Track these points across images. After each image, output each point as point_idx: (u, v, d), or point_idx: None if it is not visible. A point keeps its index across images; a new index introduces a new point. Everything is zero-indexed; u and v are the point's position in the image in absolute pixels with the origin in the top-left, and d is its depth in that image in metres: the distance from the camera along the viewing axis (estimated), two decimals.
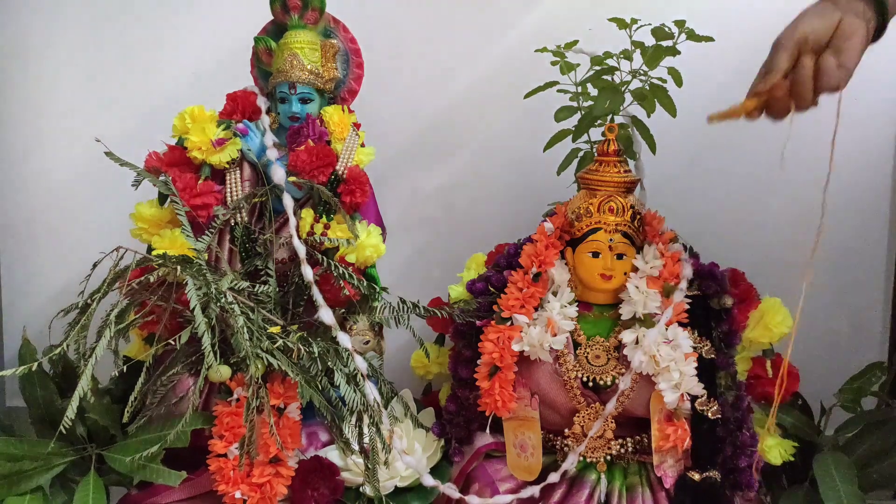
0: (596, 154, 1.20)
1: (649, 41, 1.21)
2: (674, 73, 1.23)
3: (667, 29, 1.19)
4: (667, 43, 1.19)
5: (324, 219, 1.21)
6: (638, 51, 1.21)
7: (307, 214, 1.21)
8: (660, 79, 1.24)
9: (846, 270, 1.50)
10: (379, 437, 1.12)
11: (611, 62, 1.23)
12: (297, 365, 1.09)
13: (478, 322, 1.19)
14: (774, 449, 1.20)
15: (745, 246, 1.42)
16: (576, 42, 1.26)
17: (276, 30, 1.25)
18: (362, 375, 1.13)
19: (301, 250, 1.16)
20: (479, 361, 1.17)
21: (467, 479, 1.20)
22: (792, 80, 0.93)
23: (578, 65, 1.25)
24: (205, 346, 1.01)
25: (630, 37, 1.22)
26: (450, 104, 1.48)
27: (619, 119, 1.25)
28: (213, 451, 1.11)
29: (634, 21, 1.22)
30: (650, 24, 1.20)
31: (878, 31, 0.96)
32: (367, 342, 1.22)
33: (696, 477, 1.12)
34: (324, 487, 1.13)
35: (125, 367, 1.12)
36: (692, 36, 1.20)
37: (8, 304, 1.54)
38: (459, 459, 1.21)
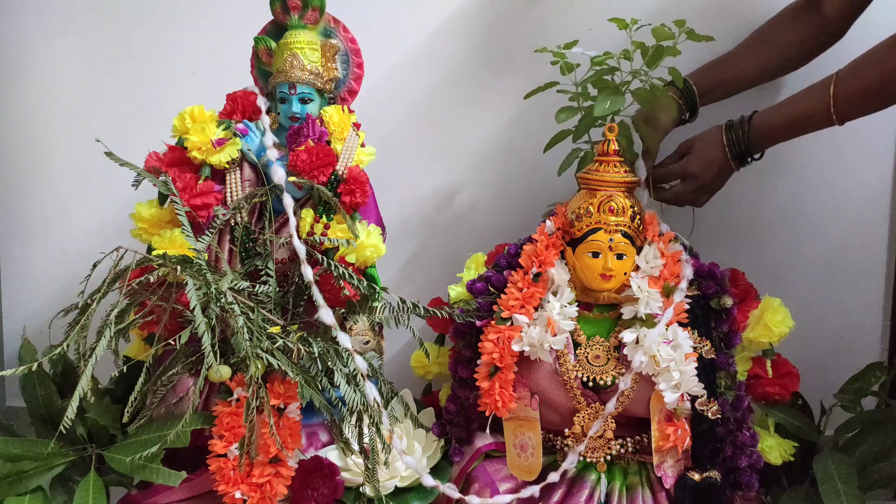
0: (596, 154, 1.19)
1: (649, 41, 1.21)
2: (674, 72, 1.23)
3: (667, 29, 1.19)
4: (667, 43, 1.19)
5: (324, 219, 1.21)
6: (638, 51, 1.21)
7: (307, 214, 1.21)
8: (660, 79, 1.24)
9: (846, 270, 1.50)
10: (379, 437, 1.12)
11: (611, 62, 1.23)
12: (297, 365, 1.09)
13: (478, 322, 1.19)
14: (774, 449, 1.20)
15: (745, 246, 1.42)
16: (576, 42, 1.25)
17: (276, 30, 1.25)
18: (362, 375, 1.12)
19: (301, 250, 1.16)
20: (479, 361, 1.17)
21: (467, 479, 1.20)
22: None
23: (578, 65, 1.24)
24: (205, 346, 1.01)
25: (630, 37, 1.22)
26: (450, 104, 1.48)
27: (619, 119, 1.24)
28: (213, 451, 1.11)
29: (635, 21, 1.21)
30: (650, 24, 1.20)
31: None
32: (367, 342, 1.22)
33: (696, 477, 1.12)
34: (324, 487, 1.13)
35: (125, 367, 1.12)
36: (692, 36, 1.20)
37: (8, 304, 1.54)
38: (459, 459, 1.21)
